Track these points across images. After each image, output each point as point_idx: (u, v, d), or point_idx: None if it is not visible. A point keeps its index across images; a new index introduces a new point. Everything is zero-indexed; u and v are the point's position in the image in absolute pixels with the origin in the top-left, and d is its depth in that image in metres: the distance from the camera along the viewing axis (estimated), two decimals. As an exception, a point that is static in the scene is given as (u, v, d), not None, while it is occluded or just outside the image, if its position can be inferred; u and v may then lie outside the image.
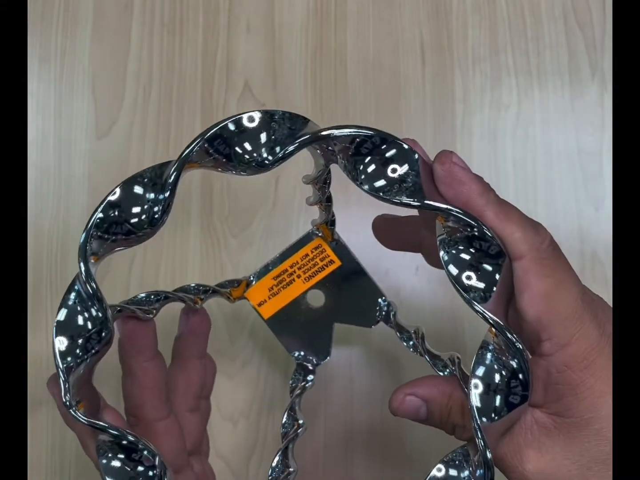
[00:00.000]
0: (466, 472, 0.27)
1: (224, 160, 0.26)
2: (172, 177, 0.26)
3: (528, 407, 0.27)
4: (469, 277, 0.26)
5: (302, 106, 0.47)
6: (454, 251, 0.26)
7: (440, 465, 0.28)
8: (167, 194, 0.27)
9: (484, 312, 0.25)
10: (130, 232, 0.27)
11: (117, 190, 0.27)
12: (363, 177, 0.28)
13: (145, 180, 0.27)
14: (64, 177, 0.46)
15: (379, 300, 0.39)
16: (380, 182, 0.28)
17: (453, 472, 0.27)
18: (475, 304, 0.26)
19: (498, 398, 0.26)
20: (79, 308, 0.28)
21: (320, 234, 0.38)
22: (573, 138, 0.46)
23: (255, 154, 0.26)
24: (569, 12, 0.47)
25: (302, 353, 0.39)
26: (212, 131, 0.26)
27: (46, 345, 0.44)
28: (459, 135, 0.46)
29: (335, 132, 0.26)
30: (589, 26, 0.47)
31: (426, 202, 0.27)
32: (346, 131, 0.27)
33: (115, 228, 0.27)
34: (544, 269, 0.27)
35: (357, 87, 0.47)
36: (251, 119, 0.26)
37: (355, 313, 0.39)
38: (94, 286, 0.27)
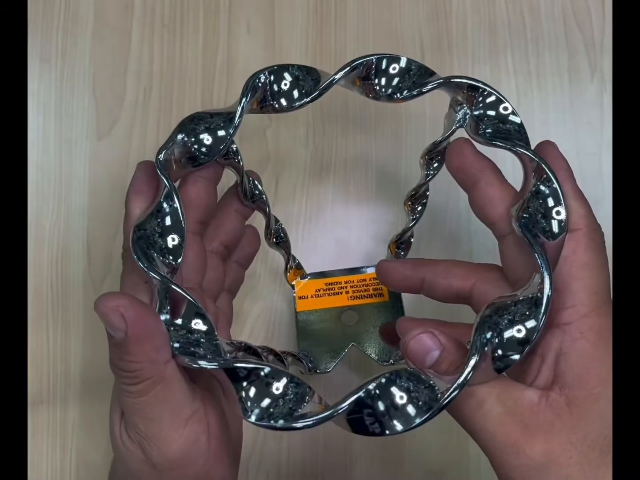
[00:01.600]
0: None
1: None
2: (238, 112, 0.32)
3: (540, 390, 0.28)
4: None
5: (302, 106, 0.47)
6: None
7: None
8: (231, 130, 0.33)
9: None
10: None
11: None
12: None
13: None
14: (64, 177, 0.46)
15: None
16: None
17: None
18: None
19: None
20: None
21: None
22: (572, 138, 0.46)
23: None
24: (568, 12, 0.47)
25: (307, 354, 0.40)
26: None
27: (46, 345, 0.44)
28: (459, 136, 0.46)
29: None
30: (589, 27, 0.47)
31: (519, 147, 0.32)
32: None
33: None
34: (592, 244, 0.29)
35: (357, 87, 0.47)
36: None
37: (375, 346, 0.41)
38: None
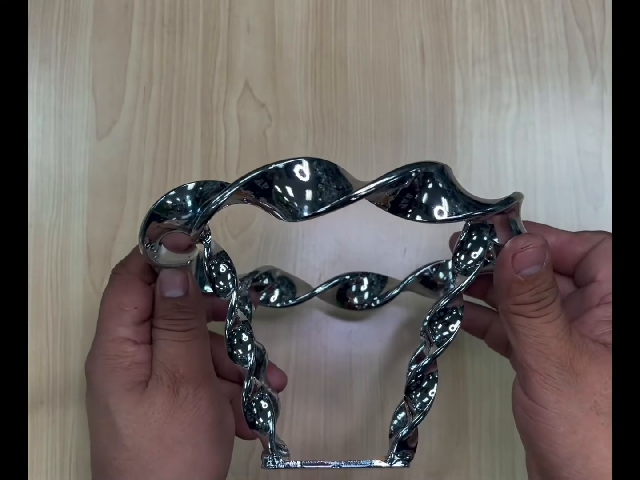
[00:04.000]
0: None
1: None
2: (212, 207, 0.29)
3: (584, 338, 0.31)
4: None
5: (302, 106, 0.47)
6: None
7: None
8: (200, 212, 0.30)
9: None
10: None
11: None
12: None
13: (200, 188, 0.31)
14: (64, 177, 0.46)
15: None
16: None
17: None
18: None
19: None
20: None
21: None
22: (573, 138, 0.46)
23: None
24: (568, 12, 0.47)
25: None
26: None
27: (46, 345, 0.44)
28: (459, 136, 0.46)
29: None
30: (589, 26, 0.47)
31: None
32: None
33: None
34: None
35: (357, 87, 0.47)
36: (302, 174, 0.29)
37: None
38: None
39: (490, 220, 0.31)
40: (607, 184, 0.45)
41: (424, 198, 0.29)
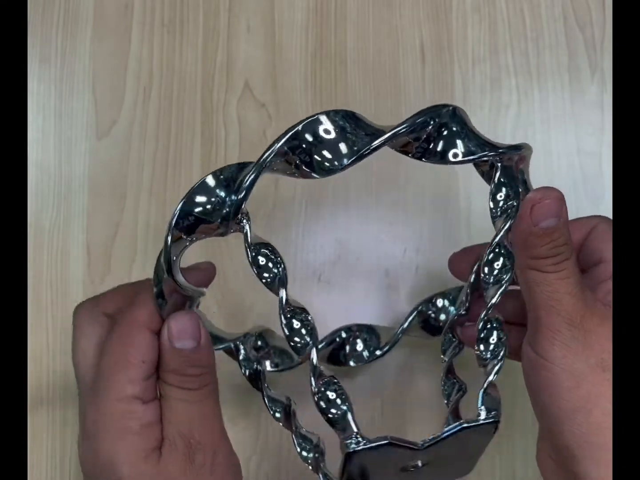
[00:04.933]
0: None
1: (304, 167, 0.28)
2: (248, 180, 0.28)
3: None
4: None
5: (302, 106, 0.47)
6: None
7: None
8: (240, 196, 0.28)
9: None
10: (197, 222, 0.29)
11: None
12: None
13: (221, 177, 0.29)
14: (64, 176, 0.46)
15: None
16: None
17: None
18: None
19: None
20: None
21: None
22: (573, 138, 0.46)
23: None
24: (568, 12, 0.47)
25: None
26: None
27: (46, 345, 0.44)
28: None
29: None
30: (589, 26, 0.47)
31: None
32: None
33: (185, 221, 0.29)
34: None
35: (357, 87, 0.47)
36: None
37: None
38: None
39: (507, 161, 0.31)
40: (607, 184, 0.45)
41: (439, 145, 0.30)
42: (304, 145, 0.28)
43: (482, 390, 0.31)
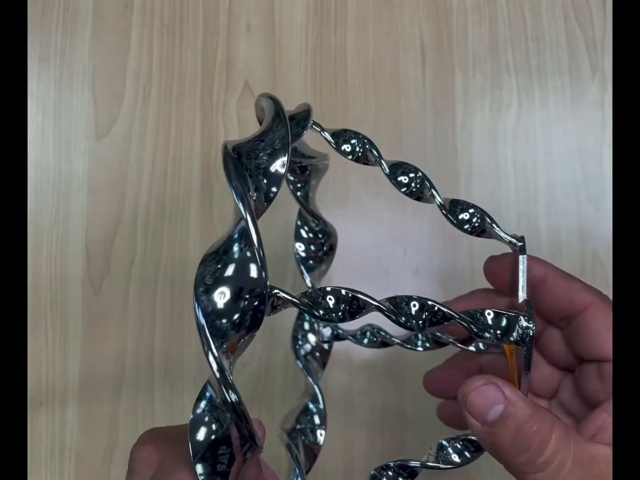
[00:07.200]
0: None
1: None
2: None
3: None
4: None
5: (302, 106, 0.47)
6: None
7: None
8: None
9: None
10: None
11: None
12: None
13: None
14: (64, 176, 0.46)
15: None
16: None
17: None
18: None
19: None
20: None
21: None
22: (573, 138, 0.46)
23: None
24: (569, 11, 0.47)
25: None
26: None
27: (46, 345, 0.44)
28: (459, 135, 0.46)
29: None
30: (589, 26, 0.47)
31: None
32: None
33: None
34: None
35: (357, 87, 0.47)
36: None
37: None
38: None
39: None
40: (608, 184, 0.45)
41: None
42: None
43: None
